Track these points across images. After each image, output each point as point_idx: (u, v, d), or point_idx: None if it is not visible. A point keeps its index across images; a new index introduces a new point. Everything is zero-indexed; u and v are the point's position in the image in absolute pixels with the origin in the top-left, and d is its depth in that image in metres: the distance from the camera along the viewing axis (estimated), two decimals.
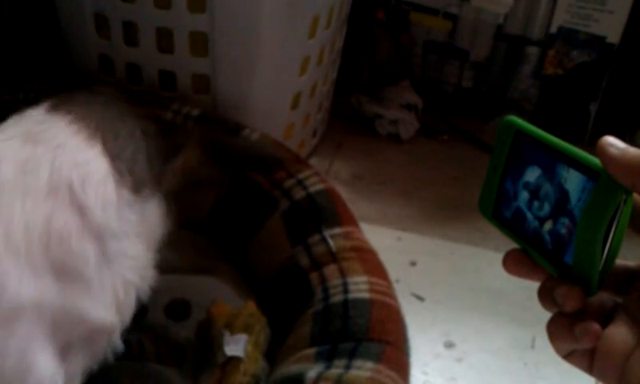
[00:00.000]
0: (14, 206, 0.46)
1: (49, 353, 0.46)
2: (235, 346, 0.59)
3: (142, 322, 0.66)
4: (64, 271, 0.47)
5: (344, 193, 0.76)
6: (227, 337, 0.59)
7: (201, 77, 0.88)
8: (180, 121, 0.81)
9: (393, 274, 0.67)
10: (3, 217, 0.45)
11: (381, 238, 0.75)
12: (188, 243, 0.78)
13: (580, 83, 1.12)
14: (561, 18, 1.09)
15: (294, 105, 0.96)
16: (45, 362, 0.45)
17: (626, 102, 1.13)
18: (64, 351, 0.47)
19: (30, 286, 0.45)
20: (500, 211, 0.41)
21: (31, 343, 0.44)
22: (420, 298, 0.83)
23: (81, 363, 0.49)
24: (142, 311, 0.67)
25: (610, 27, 1.07)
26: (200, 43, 0.85)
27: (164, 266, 0.73)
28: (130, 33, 0.86)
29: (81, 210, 0.49)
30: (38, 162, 0.49)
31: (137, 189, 0.55)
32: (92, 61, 0.91)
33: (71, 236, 0.48)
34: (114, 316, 0.52)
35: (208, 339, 0.61)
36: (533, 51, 1.13)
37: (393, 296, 0.64)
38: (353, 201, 0.78)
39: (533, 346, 0.77)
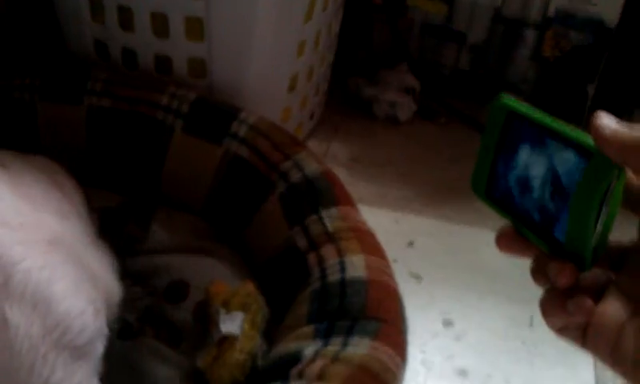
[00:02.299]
0: None
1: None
2: (231, 323, 0.59)
3: (140, 304, 0.67)
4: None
5: (342, 175, 0.76)
6: (223, 314, 0.60)
7: (197, 61, 0.88)
8: (178, 106, 0.81)
9: (391, 254, 0.67)
10: None
11: (379, 219, 0.75)
12: (186, 226, 0.78)
13: (578, 65, 1.12)
14: (558, 0, 1.08)
15: (291, 88, 0.96)
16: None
17: (624, 83, 1.13)
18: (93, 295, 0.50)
19: None
20: (492, 190, 0.41)
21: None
22: (418, 278, 0.84)
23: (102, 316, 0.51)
24: (141, 293, 0.68)
25: (608, 9, 1.07)
26: (196, 27, 0.85)
27: (162, 248, 0.74)
28: (126, 17, 0.86)
29: None
30: None
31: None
32: (87, 46, 0.91)
33: None
34: (115, 283, 0.55)
35: (205, 318, 0.62)
36: (530, 33, 1.13)
37: (390, 275, 0.64)
38: (350, 183, 0.78)
39: (531, 324, 0.78)
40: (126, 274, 0.61)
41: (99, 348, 0.49)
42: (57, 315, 0.46)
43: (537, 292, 0.39)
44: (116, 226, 0.74)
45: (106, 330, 0.51)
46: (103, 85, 0.83)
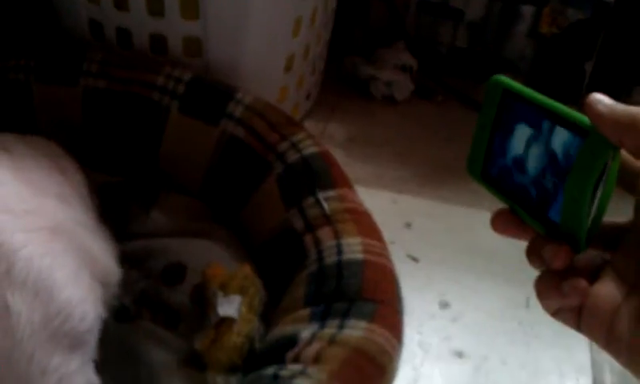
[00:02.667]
0: None
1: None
2: (229, 306, 0.59)
3: (137, 286, 0.67)
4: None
5: (339, 156, 0.76)
6: (221, 298, 0.60)
7: (192, 40, 0.87)
8: (174, 86, 0.81)
9: (388, 235, 0.67)
10: None
11: (376, 200, 0.75)
12: (183, 208, 0.78)
13: (575, 42, 1.11)
14: None
15: (288, 67, 0.95)
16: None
17: (622, 60, 1.12)
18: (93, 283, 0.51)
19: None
20: (488, 171, 0.41)
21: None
22: (415, 259, 0.84)
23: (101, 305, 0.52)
24: (138, 275, 0.68)
25: None
26: (191, 5, 0.84)
27: (159, 231, 0.74)
28: None
29: None
30: None
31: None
32: (82, 25, 0.90)
33: None
34: (114, 264, 0.55)
35: (202, 301, 0.62)
36: (528, 10, 1.12)
37: (387, 257, 0.64)
38: (347, 163, 0.78)
39: (527, 306, 0.78)
40: (123, 257, 0.61)
41: (96, 335, 0.49)
42: (58, 303, 0.46)
43: (534, 273, 0.39)
44: (117, 206, 0.74)
45: (103, 316, 0.51)
46: (99, 66, 0.83)
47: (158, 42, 0.88)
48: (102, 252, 0.54)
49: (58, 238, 0.48)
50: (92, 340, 0.49)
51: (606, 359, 0.72)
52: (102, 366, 0.52)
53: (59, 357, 0.46)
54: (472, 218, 0.89)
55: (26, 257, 0.45)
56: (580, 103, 0.35)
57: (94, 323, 0.49)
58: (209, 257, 0.69)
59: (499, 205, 0.41)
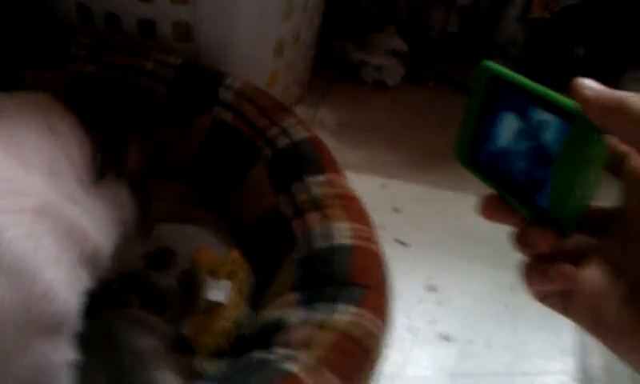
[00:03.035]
0: None
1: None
2: (218, 291, 0.60)
3: (125, 271, 0.67)
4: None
5: (329, 141, 0.76)
6: (210, 283, 0.60)
7: (182, 24, 0.87)
8: (163, 71, 0.80)
9: (377, 220, 0.67)
10: None
11: (366, 185, 0.76)
12: (171, 193, 0.78)
13: (566, 27, 1.11)
14: None
15: (278, 52, 0.95)
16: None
17: (613, 45, 1.12)
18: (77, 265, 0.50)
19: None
20: (476, 156, 0.41)
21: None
22: (404, 244, 0.84)
23: (87, 280, 0.52)
24: (124, 260, 0.68)
25: None
26: None
27: (148, 216, 0.74)
28: None
29: None
30: None
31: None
32: (70, 11, 0.89)
33: None
34: (105, 238, 0.55)
35: (191, 286, 0.62)
36: None
37: (375, 242, 0.64)
38: (338, 149, 0.78)
39: (514, 289, 0.78)
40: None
41: (77, 317, 0.49)
42: (42, 285, 0.46)
43: (521, 258, 0.39)
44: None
45: (88, 298, 0.51)
46: (87, 51, 0.82)
47: (147, 26, 0.87)
48: (92, 227, 0.54)
49: (42, 220, 0.48)
50: (73, 321, 0.49)
51: (592, 342, 0.72)
52: (88, 354, 0.52)
53: (40, 338, 0.46)
54: (461, 203, 0.89)
55: (9, 239, 0.45)
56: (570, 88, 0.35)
57: (76, 305, 0.49)
58: (197, 242, 0.69)
59: (488, 190, 0.41)
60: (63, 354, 0.48)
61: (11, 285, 0.44)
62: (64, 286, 0.48)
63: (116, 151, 0.63)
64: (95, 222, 0.54)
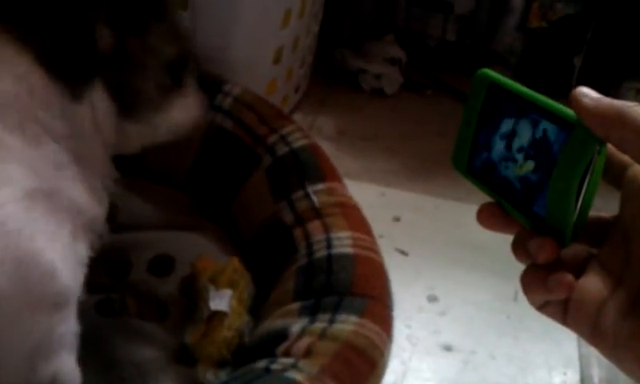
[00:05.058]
0: None
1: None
2: (220, 300, 0.59)
3: (124, 278, 0.66)
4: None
5: (328, 149, 0.76)
6: (212, 292, 0.59)
7: None
8: None
9: (377, 229, 0.67)
10: None
11: (365, 193, 0.75)
12: (171, 200, 0.77)
13: (564, 36, 1.12)
14: None
15: (276, 59, 0.95)
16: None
17: (611, 55, 1.12)
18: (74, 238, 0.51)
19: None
20: (474, 165, 0.41)
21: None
22: (404, 253, 0.84)
23: (85, 249, 0.52)
24: (124, 267, 0.67)
25: None
26: None
27: (147, 223, 0.73)
28: None
29: None
30: None
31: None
32: None
33: None
34: (98, 207, 0.55)
35: (192, 294, 0.61)
36: (517, 4, 1.12)
37: (376, 251, 0.64)
38: (336, 157, 0.78)
39: (515, 299, 0.78)
40: (111, 249, 0.60)
41: (78, 291, 0.50)
42: (43, 266, 0.46)
43: (522, 267, 0.39)
44: None
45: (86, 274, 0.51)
46: None
47: None
48: (83, 193, 0.53)
49: (35, 203, 0.48)
50: (75, 296, 0.50)
51: (594, 353, 0.72)
52: (88, 366, 0.52)
53: (46, 314, 0.47)
54: (461, 212, 0.89)
55: (6, 231, 0.45)
56: (568, 98, 0.35)
57: (78, 279, 0.50)
58: (197, 249, 0.68)
59: (488, 199, 0.41)
60: (68, 326, 0.49)
61: (14, 272, 0.45)
62: (64, 262, 0.48)
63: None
64: (85, 191, 0.53)
